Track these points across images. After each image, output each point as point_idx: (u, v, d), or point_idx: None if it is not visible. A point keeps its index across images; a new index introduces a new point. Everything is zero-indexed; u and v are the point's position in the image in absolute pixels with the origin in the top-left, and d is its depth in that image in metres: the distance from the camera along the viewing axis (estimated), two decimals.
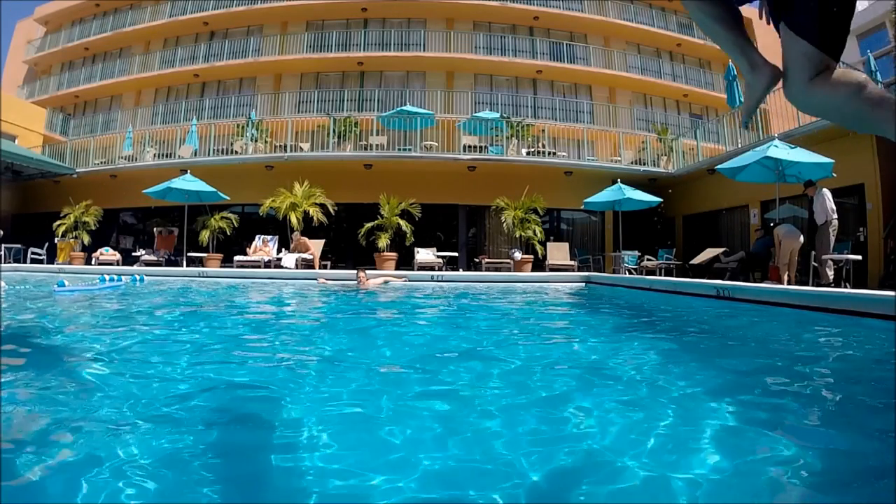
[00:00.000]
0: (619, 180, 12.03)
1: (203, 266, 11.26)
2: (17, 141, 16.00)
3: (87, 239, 13.46)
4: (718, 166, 9.41)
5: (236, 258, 11.32)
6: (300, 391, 1.75)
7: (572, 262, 12.10)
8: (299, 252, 11.31)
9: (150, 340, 2.64)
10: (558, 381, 1.83)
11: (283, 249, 11.98)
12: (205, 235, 12.84)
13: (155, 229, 14.20)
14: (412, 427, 1.32)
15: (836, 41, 0.92)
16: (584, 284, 8.90)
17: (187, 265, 11.65)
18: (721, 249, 10.81)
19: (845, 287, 7.06)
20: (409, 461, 1.09)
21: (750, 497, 0.98)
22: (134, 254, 13.52)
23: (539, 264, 11.90)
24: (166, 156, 15.53)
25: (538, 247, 11.95)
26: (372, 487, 0.99)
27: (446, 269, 11.59)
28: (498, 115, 15.28)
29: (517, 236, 12.15)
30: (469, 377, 1.96)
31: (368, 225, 11.99)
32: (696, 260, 11.01)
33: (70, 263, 12.16)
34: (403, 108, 15.00)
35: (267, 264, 11.18)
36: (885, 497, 0.98)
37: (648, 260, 11.89)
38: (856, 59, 15.62)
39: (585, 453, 1.17)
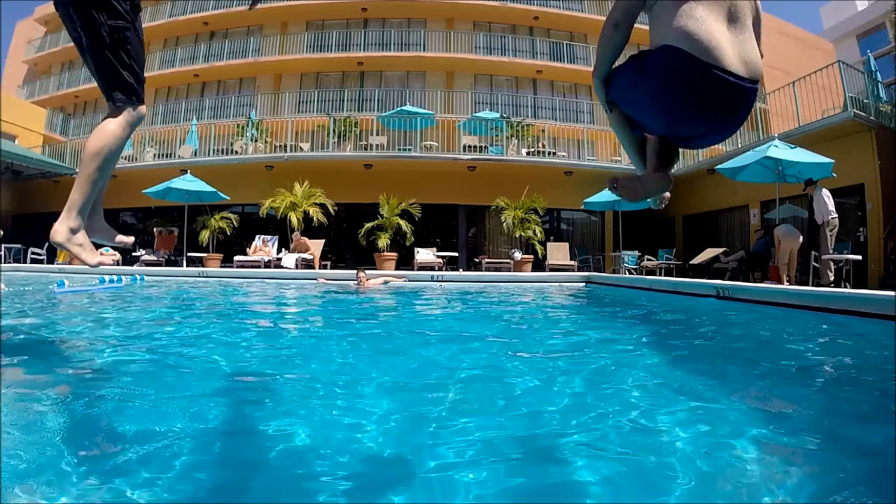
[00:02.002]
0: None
1: (203, 266, 11.26)
2: (17, 141, 16.01)
3: None
4: (718, 166, 9.41)
5: (236, 258, 11.32)
6: (296, 393, 1.75)
7: (572, 262, 12.10)
8: (299, 252, 11.31)
9: (149, 339, 2.64)
10: (566, 393, 1.83)
11: (283, 249, 11.98)
12: (205, 235, 12.84)
13: (155, 229, 14.20)
14: (412, 439, 1.32)
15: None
16: (584, 284, 8.90)
17: (187, 265, 11.65)
18: (721, 249, 10.82)
19: (845, 287, 7.06)
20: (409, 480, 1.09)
21: (749, 497, 0.98)
22: (134, 254, 13.52)
23: (539, 264, 11.90)
24: (166, 156, 15.54)
25: (538, 247, 11.95)
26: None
27: (446, 269, 11.59)
28: (498, 115, 15.29)
29: (517, 236, 12.15)
30: (470, 381, 1.96)
31: (368, 225, 11.99)
32: (696, 260, 11.01)
33: (70, 263, 12.15)
34: (403, 108, 15.01)
35: (267, 264, 11.18)
36: (884, 497, 0.98)
37: (648, 260, 11.89)
38: (856, 59, 15.64)
39: (605, 461, 1.17)
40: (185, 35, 20.10)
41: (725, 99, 1.24)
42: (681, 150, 1.66)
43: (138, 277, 7.99)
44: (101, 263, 1.65)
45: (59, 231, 1.55)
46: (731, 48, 1.31)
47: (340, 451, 1.17)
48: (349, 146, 14.60)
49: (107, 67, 1.63)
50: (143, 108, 1.73)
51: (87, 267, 1.66)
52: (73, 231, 1.56)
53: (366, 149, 14.78)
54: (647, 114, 1.44)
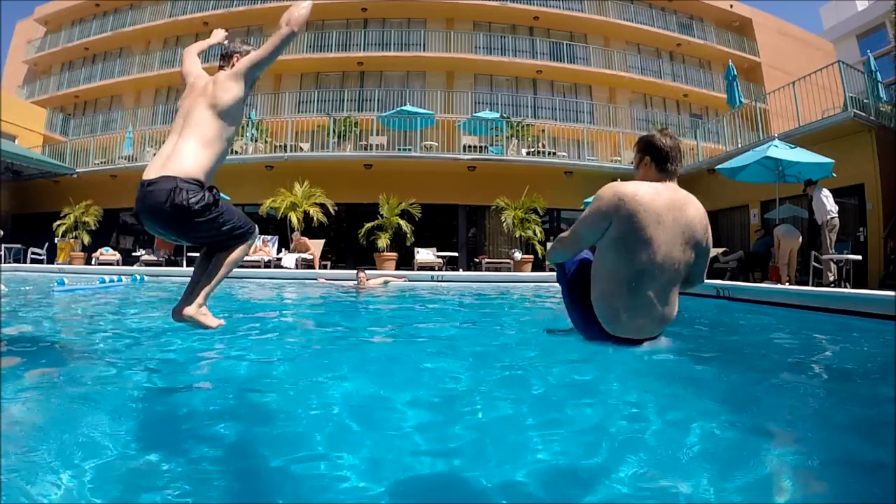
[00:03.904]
0: (619, 180, 11.99)
1: None
2: (17, 141, 16.01)
3: (87, 239, 13.47)
4: (718, 166, 9.41)
5: None
6: (292, 398, 1.75)
7: None
8: (299, 252, 11.31)
9: (149, 339, 2.64)
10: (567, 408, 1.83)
11: (283, 249, 11.99)
12: None
13: None
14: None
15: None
16: None
17: (187, 265, 11.65)
18: (721, 249, 10.81)
19: (845, 287, 7.07)
20: None
21: (747, 497, 0.98)
22: (134, 254, 13.53)
23: (539, 264, 11.90)
24: None
25: (538, 247, 11.95)
26: None
27: (446, 269, 11.59)
28: (498, 115, 15.29)
29: (517, 236, 12.15)
30: (472, 386, 1.97)
31: (368, 225, 11.99)
32: None
33: (70, 263, 12.17)
34: (403, 108, 15.01)
35: (267, 264, 11.18)
36: (883, 497, 0.98)
37: None
38: (856, 59, 15.64)
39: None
40: (185, 35, 20.09)
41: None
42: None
43: (138, 277, 7.99)
44: (219, 325, 2.14)
45: (192, 308, 2.08)
46: (639, 321, 1.70)
47: (342, 459, 1.17)
48: (349, 146, 14.60)
49: (223, 241, 2.17)
50: (256, 230, 2.29)
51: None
52: (200, 306, 2.10)
53: (366, 149, 14.79)
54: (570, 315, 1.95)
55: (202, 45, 2.72)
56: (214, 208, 2.02)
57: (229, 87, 2.15)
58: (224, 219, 2.07)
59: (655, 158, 1.92)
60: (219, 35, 2.74)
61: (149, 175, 1.99)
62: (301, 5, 2.20)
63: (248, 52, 2.30)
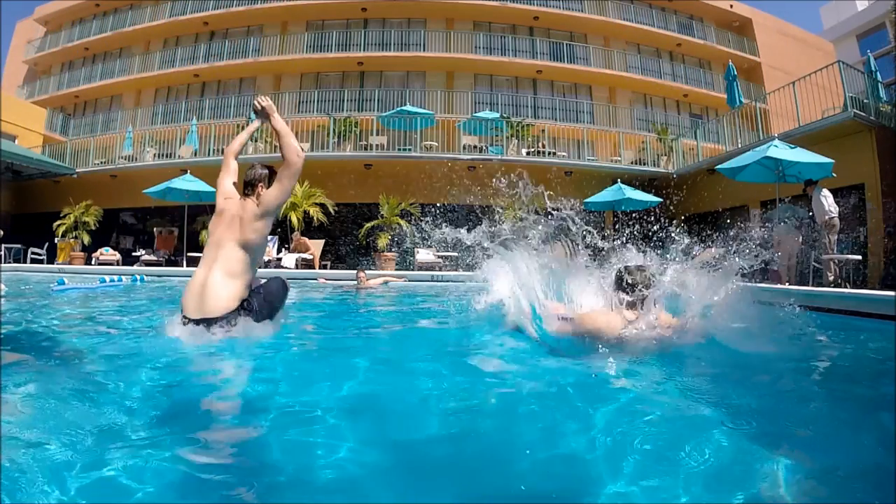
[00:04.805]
0: (619, 180, 12.02)
1: None
2: (17, 141, 16.00)
3: (87, 239, 13.46)
4: (718, 166, 9.40)
5: None
6: (287, 403, 1.75)
7: None
8: (299, 252, 11.31)
9: (149, 339, 2.64)
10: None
11: (283, 249, 11.98)
12: (205, 235, 12.83)
13: (155, 229, 14.19)
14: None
15: None
16: None
17: (187, 265, 11.65)
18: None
19: (845, 287, 7.06)
20: None
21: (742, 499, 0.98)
22: (134, 254, 13.53)
23: None
24: (166, 156, 15.53)
25: None
26: None
27: (446, 269, 11.57)
28: (498, 115, 15.28)
29: None
30: (472, 391, 1.96)
31: (368, 225, 11.99)
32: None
33: (70, 263, 12.16)
34: (403, 108, 15.01)
35: (267, 264, 11.17)
36: (882, 497, 0.98)
37: None
38: (856, 59, 15.63)
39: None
40: (185, 35, 20.09)
41: None
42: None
43: (138, 277, 7.98)
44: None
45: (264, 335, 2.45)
46: None
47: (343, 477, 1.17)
48: (349, 146, 14.59)
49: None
50: (287, 288, 2.71)
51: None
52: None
53: (366, 149, 14.78)
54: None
55: (244, 137, 2.88)
56: (252, 315, 2.35)
57: (258, 228, 2.40)
58: (263, 313, 2.39)
59: (625, 292, 2.20)
60: (262, 107, 2.68)
61: (189, 313, 2.30)
62: (293, 147, 2.40)
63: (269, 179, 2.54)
